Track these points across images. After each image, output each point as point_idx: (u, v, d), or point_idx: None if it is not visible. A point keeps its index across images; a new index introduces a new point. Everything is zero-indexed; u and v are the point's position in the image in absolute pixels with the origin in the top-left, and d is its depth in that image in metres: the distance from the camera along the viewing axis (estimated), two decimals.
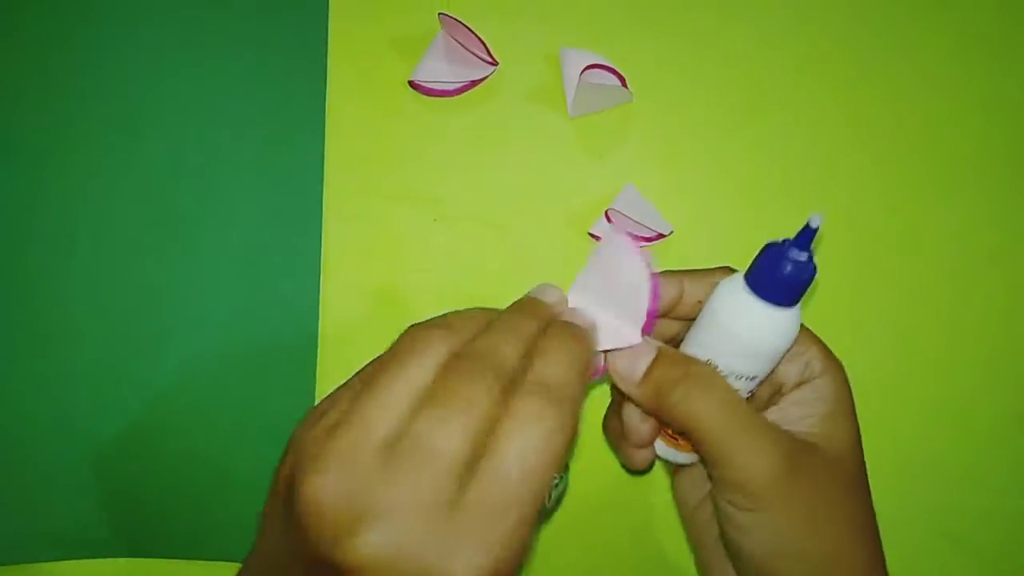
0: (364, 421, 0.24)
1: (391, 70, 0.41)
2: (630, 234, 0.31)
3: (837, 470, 0.30)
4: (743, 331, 0.29)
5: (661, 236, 0.40)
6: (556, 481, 0.31)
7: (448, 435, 0.24)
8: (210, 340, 0.40)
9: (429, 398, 0.24)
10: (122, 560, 0.40)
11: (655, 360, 0.30)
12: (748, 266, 0.29)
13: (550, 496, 0.30)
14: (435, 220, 0.41)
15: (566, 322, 0.29)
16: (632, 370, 0.30)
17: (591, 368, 0.28)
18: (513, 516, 0.23)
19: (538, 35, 0.42)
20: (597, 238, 0.40)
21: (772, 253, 0.28)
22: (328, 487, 0.23)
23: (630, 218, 0.39)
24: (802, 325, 0.30)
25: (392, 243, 0.41)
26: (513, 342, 0.26)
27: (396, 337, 0.27)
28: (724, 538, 0.30)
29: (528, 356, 0.26)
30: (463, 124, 0.41)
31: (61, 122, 0.41)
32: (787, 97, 0.41)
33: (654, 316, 0.30)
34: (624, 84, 0.40)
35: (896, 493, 0.40)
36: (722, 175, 0.41)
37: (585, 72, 0.39)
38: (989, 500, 0.40)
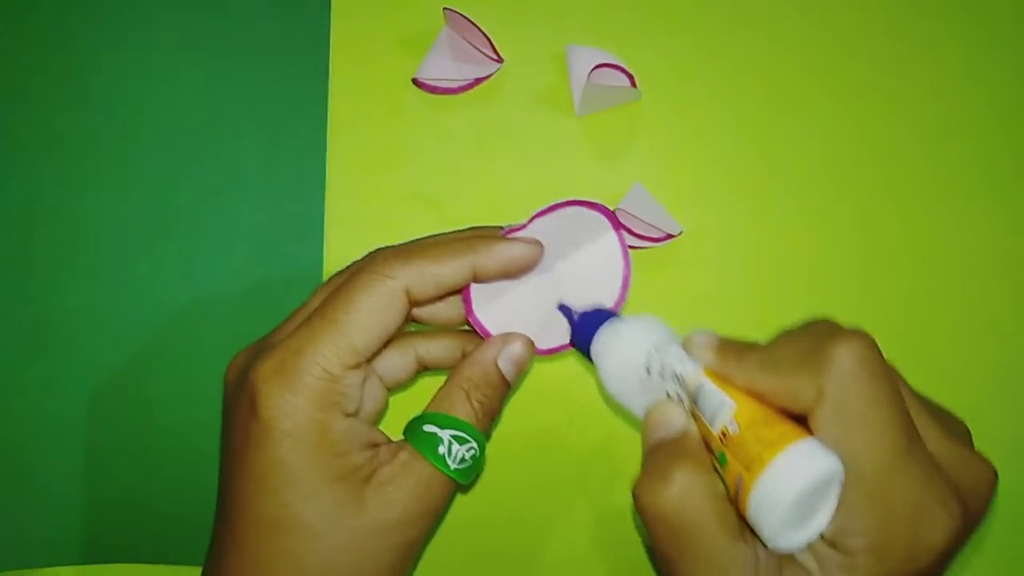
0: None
1: (394, 68, 0.41)
2: (613, 219, 0.34)
3: None
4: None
5: (670, 236, 0.39)
6: (471, 445, 0.31)
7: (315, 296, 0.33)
8: (211, 347, 0.39)
9: None
10: (119, 566, 0.39)
11: None
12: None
13: (451, 454, 0.31)
14: (439, 221, 0.40)
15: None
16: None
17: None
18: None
19: (544, 32, 0.41)
20: None
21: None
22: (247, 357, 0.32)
23: (638, 218, 0.39)
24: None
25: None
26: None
27: None
28: None
29: None
30: (467, 122, 0.41)
31: (62, 127, 0.41)
32: (798, 97, 0.41)
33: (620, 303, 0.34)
34: (634, 84, 0.39)
35: None
36: (732, 174, 0.41)
37: (593, 72, 0.38)
38: (1001, 506, 0.39)
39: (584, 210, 0.34)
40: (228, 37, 0.41)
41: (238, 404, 0.30)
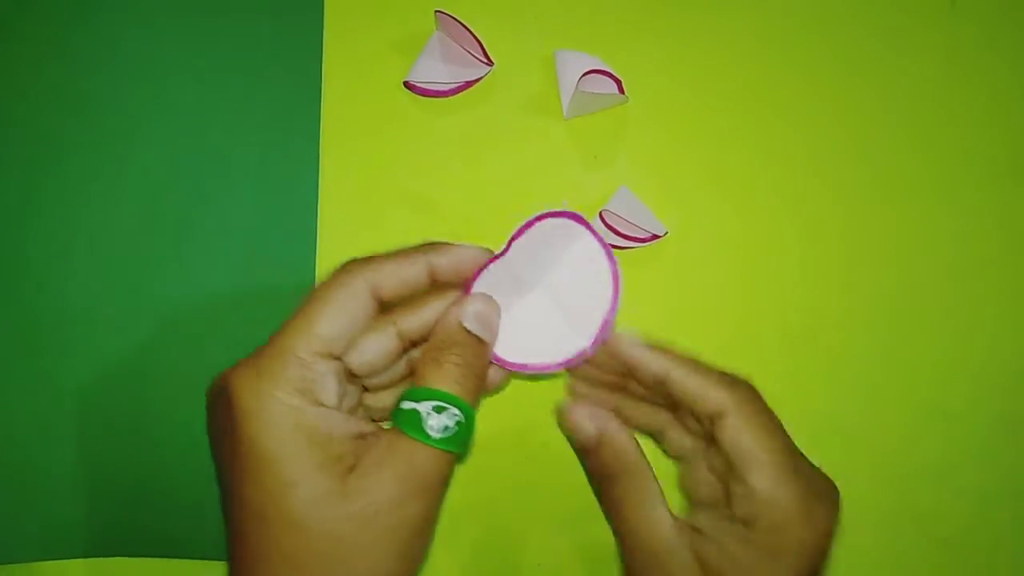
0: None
1: (387, 70, 0.41)
2: (591, 230, 0.35)
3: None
4: None
5: (655, 237, 0.40)
6: (452, 412, 0.31)
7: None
8: (205, 346, 0.40)
9: None
10: (114, 560, 0.40)
11: None
12: None
13: (433, 425, 0.31)
14: (431, 223, 0.41)
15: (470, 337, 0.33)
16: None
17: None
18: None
19: (534, 35, 0.42)
20: None
21: None
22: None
23: (625, 219, 0.40)
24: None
25: (387, 245, 0.40)
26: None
27: None
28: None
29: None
30: (458, 125, 0.41)
31: (57, 128, 0.41)
32: (783, 99, 0.42)
33: (609, 327, 0.34)
34: (622, 90, 0.40)
35: (888, 498, 0.40)
36: (717, 176, 0.41)
37: (582, 79, 0.39)
38: (979, 505, 0.40)
39: (556, 220, 0.35)
40: (222, 40, 0.41)
41: (217, 405, 0.31)
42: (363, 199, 0.41)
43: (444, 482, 0.31)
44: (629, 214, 0.40)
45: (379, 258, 0.33)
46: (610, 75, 0.40)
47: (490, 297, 0.34)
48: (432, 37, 0.41)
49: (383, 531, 0.29)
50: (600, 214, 0.40)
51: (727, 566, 0.31)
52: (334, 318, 0.31)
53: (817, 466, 0.34)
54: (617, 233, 0.40)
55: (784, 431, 0.33)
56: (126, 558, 0.40)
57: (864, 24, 0.42)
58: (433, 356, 0.32)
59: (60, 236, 0.40)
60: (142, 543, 0.40)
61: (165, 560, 0.40)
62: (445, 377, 0.31)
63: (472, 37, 0.40)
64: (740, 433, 0.32)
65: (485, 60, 0.41)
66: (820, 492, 0.32)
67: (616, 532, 0.34)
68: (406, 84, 0.41)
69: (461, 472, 0.40)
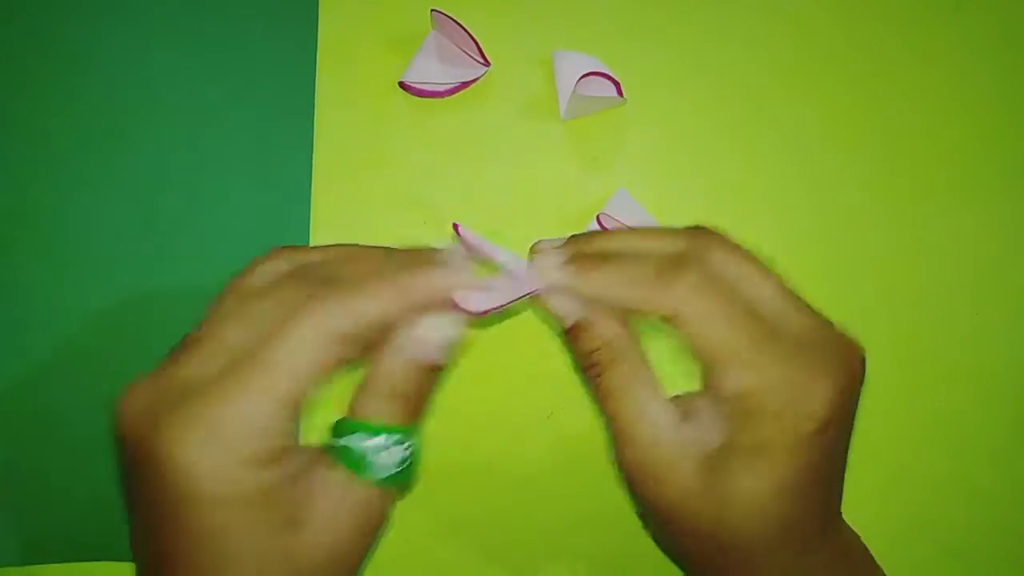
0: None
1: (381, 70, 0.41)
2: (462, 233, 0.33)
3: None
4: None
5: None
6: (406, 446, 0.28)
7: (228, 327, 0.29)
8: None
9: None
10: (105, 564, 0.39)
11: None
12: None
13: (387, 464, 0.28)
14: (424, 223, 0.40)
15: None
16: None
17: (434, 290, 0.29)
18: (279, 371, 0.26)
19: (531, 35, 0.41)
20: None
21: None
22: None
23: (622, 222, 0.39)
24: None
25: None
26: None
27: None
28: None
29: None
30: (454, 126, 0.41)
31: (48, 127, 0.40)
32: (784, 101, 0.41)
33: None
34: (620, 92, 0.39)
35: (897, 507, 0.40)
36: (716, 179, 0.41)
37: (580, 81, 0.38)
38: (990, 514, 0.40)
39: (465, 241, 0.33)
40: (215, 38, 0.41)
41: (145, 465, 0.27)
42: (357, 200, 0.40)
43: (390, 513, 0.30)
44: (627, 217, 0.39)
45: (344, 300, 0.28)
46: (608, 77, 0.39)
47: (459, 317, 0.30)
48: (428, 36, 0.41)
49: (345, 570, 0.28)
50: (598, 217, 0.39)
51: (721, 462, 0.28)
52: (312, 376, 0.27)
53: (824, 329, 0.30)
54: None
55: (744, 313, 0.29)
56: (107, 562, 0.39)
57: (868, 24, 0.42)
58: (377, 388, 0.29)
59: (52, 235, 0.40)
60: (122, 547, 0.39)
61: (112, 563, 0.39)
62: (399, 411, 0.29)
63: (469, 37, 0.39)
64: (688, 335, 0.29)
65: (482, 60, 0.40)
66: (808, 370, 0.29)
67: (608, 426, 0.30)
68: (401, 84, 0.41)
69: (459, 487, 0.40)
